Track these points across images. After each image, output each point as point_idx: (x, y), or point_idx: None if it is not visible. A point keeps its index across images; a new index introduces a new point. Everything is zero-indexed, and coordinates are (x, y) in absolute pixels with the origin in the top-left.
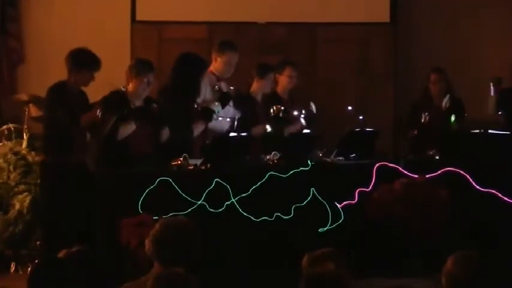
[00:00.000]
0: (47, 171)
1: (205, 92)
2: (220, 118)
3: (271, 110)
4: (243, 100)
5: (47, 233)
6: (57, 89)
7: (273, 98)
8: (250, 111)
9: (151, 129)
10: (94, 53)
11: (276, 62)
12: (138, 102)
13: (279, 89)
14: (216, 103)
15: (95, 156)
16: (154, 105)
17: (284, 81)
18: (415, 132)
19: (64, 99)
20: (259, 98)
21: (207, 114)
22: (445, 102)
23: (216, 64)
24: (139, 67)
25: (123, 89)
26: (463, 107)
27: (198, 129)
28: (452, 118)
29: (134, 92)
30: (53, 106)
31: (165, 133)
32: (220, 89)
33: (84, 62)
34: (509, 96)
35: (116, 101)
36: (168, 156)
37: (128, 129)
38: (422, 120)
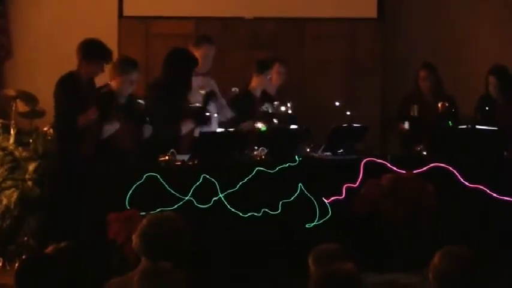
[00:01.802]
0: (58, 162)
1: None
2: (207, 113)
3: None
4: (241, 99)
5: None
6: (65, 82)
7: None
8: (249, 107)
9: (134, 125)
10: (105, 44)
11: (264, 58)
12: (121, 100)
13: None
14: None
15: None
16: (140, 101)
17: (273, 77)
18: (406, 127)
19: (72, 92)
20: (258, 93)
21: (201, 117)
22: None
23: None
24: (124, 65)
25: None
26: (454, 103)
27: (186, 127)
28: (450, 123)
29: (118, 89)
30: (61, 100)
31: (147, 129)
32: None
33: (94, 53)
34: (486, 103)
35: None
36: (156, 151)
37: (112, 128)
38: (412, 113)
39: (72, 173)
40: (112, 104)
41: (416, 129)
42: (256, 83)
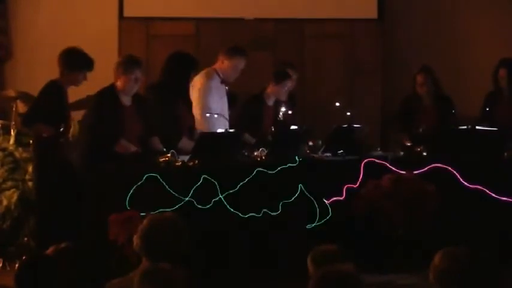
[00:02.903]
0: (38, 168)
1: (214, 93)
2: (208, 114)
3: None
4: (251, 103)
5: (37, 229)
6: (48, 90)
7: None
8: (258, 112)
9: (141, 128)
10: (86, 52)
11: (264, 58)
12: (126, 99)
13: None
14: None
15: (83, 153)
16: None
17: None
18: (408, 144)
19: (55, 100)
20: (270, 102)
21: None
22: None
23: (223, 66)
24: (127, 64)
25: None
26: (452, 104)
27: (185, 143)
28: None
29: (123, 89)
30: (40, 104)
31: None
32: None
33: (75, 62)
34: (493, 99)
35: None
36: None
37: (127, 148)
38: (420, 130)
39: (49, 180)
40: (118, 108)
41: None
42: (270, 91)
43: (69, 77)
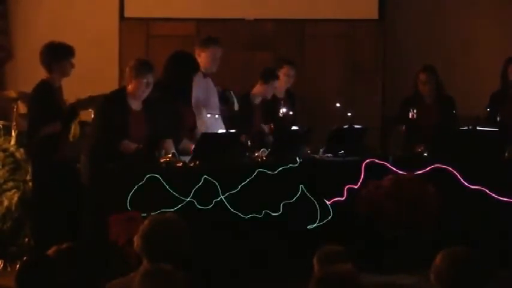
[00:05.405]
0: (35, 169)
1: (198, 86)
2: (209, 115)
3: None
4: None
5: (36, 229)
6: (42, 90)
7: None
8: (247, 112)
9: (149, 133)
10: (62, 42)
11: (264, 58)
12: (136, 103)
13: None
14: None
15: (88, 154)
16: None
17: (281, 80)
18: (403, 128)
19: (49, 100)
20: (257, 100)
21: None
22: None
23: (200, 59)
24: (139, 68)
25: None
26: (453, 104)
27: (184, 144)
28: None
29: (134, 93)
30: (38, 107)
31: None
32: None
33: (61, 52)
34: (498, 99)
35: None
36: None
37: (131, 149)
38: (410, 116)
39: (47, 180)
40: (125, 112)
41: (415, 131)
42: (258, 91)
43: (60, 69)
